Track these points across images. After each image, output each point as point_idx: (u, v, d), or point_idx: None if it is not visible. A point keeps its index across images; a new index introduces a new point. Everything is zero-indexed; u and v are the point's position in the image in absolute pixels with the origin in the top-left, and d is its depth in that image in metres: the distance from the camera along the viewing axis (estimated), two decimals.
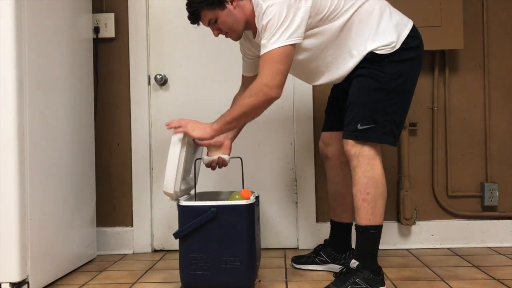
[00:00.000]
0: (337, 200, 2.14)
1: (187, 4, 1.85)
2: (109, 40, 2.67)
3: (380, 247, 1.86)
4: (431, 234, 2.59)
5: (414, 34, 1.86)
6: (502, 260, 2.32)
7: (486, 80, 2.61)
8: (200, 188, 2.12)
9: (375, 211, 1.79)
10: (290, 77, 1.96)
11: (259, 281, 2.03)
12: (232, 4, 1.83)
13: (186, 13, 1.87)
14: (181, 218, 1.86)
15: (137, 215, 2.66)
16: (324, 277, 2.06)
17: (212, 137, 1.90)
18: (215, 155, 2.05)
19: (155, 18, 2.69)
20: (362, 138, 1.80)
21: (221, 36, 1.94)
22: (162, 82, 2.66)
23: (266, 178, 2.64)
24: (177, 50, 2.68)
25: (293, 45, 1.76)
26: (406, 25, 1.86)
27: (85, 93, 2.43)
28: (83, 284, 2.07)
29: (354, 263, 1.80)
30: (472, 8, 2.59)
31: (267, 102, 1.79)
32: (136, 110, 2.66)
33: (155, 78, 2.65)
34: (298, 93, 2.58)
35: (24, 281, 1.85)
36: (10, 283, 1.80)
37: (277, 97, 1.79)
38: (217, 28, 1.88)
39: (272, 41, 1.73)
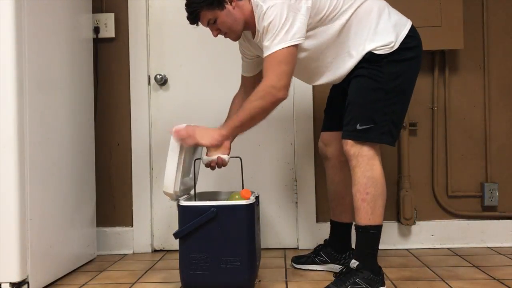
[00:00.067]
0: (336, 200, 2.14)
1: (186, 5, 1.85)
2: (109, 40, 2.67)
3: (380, 247, 1.86)
4: (431, 234, 2.59)
5: (413, 34, 1.86)
6: (502, 260, 2.32)
7: (486, 80, 2.61)
8: (200, 188, 2.12)
9: (374, 211, 1.80)
10: None
11: (259, 281, 2.03)
12: (231, 4, 1.83)
13: (186, 13, 1.87)
14: (181, 218, 1.86)
15: (137, 215, 2.66)
16: (324, 277, 2.06)
17: (221, 143, 1.88)
18: (215, 155, 2.04)
19: (155, 18, 2.69)
20: (361, 138, 1.80)
21: (221, 36, 1.94)
22: (162, 82, 2.66)
23: (266, 178, 2.64)
24: (177, 50, 2.68)
25: (296, 45, 1.76)
26: (404, 25, 1.86)
27: (85, 93, 2.43)
28: (83, 284, 2.08)
29: (354, 263, 1.80)
30: (472, 8, 2.59)
31: (275, 103, 1.79)
32: (136, 110, 2.66)
33: (155, 78, 2.65)
34: (298, 93, 2.58)
35: (24, 281, 1.85)
36: (10, 283, 1.80)
37: (284, 98, 1.79)
38: (216, 29, 1.88)
39: (275, 43, 1.73)
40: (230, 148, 2.08)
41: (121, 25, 2.68)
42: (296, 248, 2.62)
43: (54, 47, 2.11)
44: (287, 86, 1.78)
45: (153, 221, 2.68)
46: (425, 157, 2.62)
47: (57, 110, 2.13)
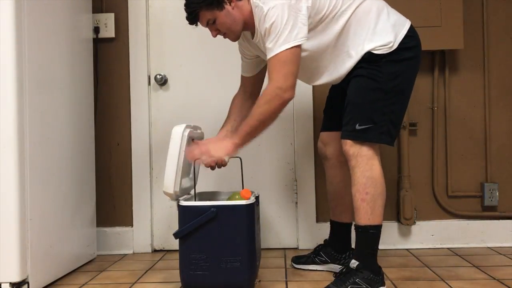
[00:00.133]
0: (336, 200, 2.14)
1: (185, 5, 1.85)
2: (109, 40, 2.67)
3: (380, 247, 1.86)
4: (431, 234, 2.59)
5: (412, 34, 1.86)
6: (502, 260, 2.32)
7: (486, 80, 2.61)
8: (200, 188, 2.12)
9: (374, 211, 1.80)
10: None
11: (259, 281, 2.03)
12: (230, 4, 1.83)
13: (185, 13, 1.87)
14: (181, 218, 1.85)
15: (137, 215, 2.66)
16: (324, 277, 2.06)
17: (235, 153, 1.87)
18: None
19: (155, 18, 2.69)
20: (360, 138, 1.80)
21: (221, 37, 1.93)
22: (162, 82, 2.66)
23: (266, 178, 2.64)
24: (177, 50, 2.68)
25: (300, 45, 1.75)
26: (403, 25, 1.86)
27: (85, 93, 2.43)
28: (83, 284, 2.08)
29: (354, 263, 1.80)
30: (472, 8, 2.59)
31: (283, 105, 1.79)
32: (136, 110, 2.66)
33: (155, 78, 2.65)
34: (298, 93, 2.52)
35: (24, 281, 1.85)
36: (10, 283, 1.80)
37: (291, 98, 1.79)
38: (216, 29, 1.88)
39: (279, 44, 1.73)
40: None
41: (121, 25, 2.68)
42: (296, 248, 2.62)
43: (54, 47, 2.11)
44: (293, 86, 1.78)
45: (153, 221, 2.68)
46: (425, 157, 2.62)
47: (57, 110, 2.13)
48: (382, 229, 1.85)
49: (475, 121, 2.62)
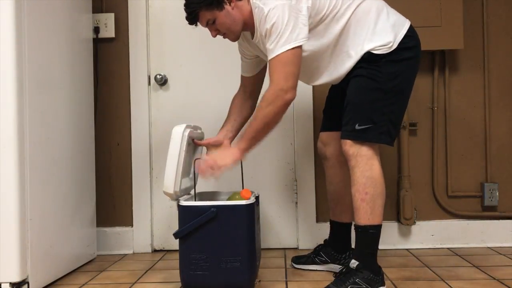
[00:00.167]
0: (336, 200, 2.14)
1: (185, 5, 1.85)
2: (109, 40, 2.67)
3: (380, 247, 1.86)
4: (431, 234, 2.59)
5: (411, 34, 1.86)
6: (502, 260, 2.32)
7: (486, 80, 2.61)
8: (200, 188, 2.12)
9: (374, 211, 1.80)
10: None
11: (259, 281, 2.03)
12: (230, 4, 1.82)
13: (185, 14, 1.87)
14: (181, 218, 1.86)
15: (137, 215, 2.66)
16: (324, 277, 2.06)
17: (243, 157, 1.87)
18: None
19: (155, 18, 2.69)
20: (360, 138, 1.80)
21: (221, 37, 1.93)
22: (162, 82, 2.66)
23: (266, 178, 2.64)
24: (177, 50, 2.68)
25: (301, 46, 1.75)
26: (403, 25, 1.86)
27: (85, 93, 2.43)
28: (83, 284, 2.08)
29: (354, 263, 1.80)
30: (472, 8, 2.59)
31: (285, 106, 1.79)
32: (136, 110, 2.66)
33: (155, 78, 2.66)
34: (298, 93, 2.53)
35: (24, 281, 1.85)
36: (10, 283, 1.80)
37: (293, 99, 1.79)
38: (215, 29, 1.87)
39: (280, 45, 1.73)
40: None
41: (121, 25, 2.68)
42: (296, 248, 2.62)
43: (54, 47, 2.11)
44: (294, 87, 1.79)
45: (153, 221, 2.68)
46: (425, 157, 2.62)
47: (57, 110, 2.13)
48: (382, 229, 1.85)
49: (475, 121, 2.62)
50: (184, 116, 2.61)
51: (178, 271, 1.89)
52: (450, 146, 2.61)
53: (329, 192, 2.17)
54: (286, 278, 2.10)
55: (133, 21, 2.67)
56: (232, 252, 1.82)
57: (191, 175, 2.12)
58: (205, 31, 1.92)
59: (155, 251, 2.67)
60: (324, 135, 2.14)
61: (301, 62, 1.78)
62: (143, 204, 2.66)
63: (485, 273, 2.09)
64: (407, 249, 2.56)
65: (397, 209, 2.61)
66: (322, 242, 2.26)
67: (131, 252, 2.65)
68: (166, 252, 2.64)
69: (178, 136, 1.92)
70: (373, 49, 1.81)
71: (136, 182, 2.66)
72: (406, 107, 1.91)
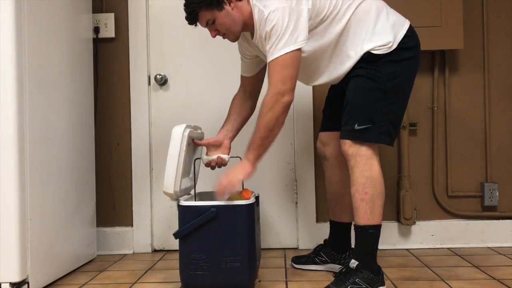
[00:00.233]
0: (335, 200, 2.14)
1: (185, 5, 1.85)
2: (109, 40, 2.67)
3: (380, 247, 1.86)
4: (431, 234, 2.59)
5: (411, 34, 1.86)
6: (502, 260, 2.32)
7: (486, 80, 2.61)
8: (200, 188, 2.12)
9: (373, 211, 1.80)
10: None
11: (259, 281, 2.03)
12: (230, 5, 1.82)
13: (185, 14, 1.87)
14: (181, 218, 1.86)
15: (137, 215, 2.66)
16: (324, 277, 2.06)
17: (255, 168, 1.85)
18: (214, 155, 2.05)
19: (155, 18, 2.69)
20: (359, 138, 1.80)
21: (221, 37, 1.93)
22: (162, 82, 2.66)
23: (266, 178, 2.64)
24: (177, 50, 2.68)
25: (299, 48, 1.76)
26: (403, 25, 1.86)
27: (85, 93, 2.43)
28: (83, 284, 2.08)
29: (353, 263, 1.80)
30: (472, 8, 2.59)
31: (285, 109, 1.79)
32: (136, 110, 2.66)
33: (155, 78, 2.66)
34: (298, 93, 2.53)
35: (24, 281, 1.85)
36: (10, 283, 1.80)
37: (291, 101, 1.80)
38: (215, 29, 1.87)
39: (279, 48, 1.73)
40: (230, 148, 2.09)
41: (121, 25, 2.68)
42: (296, 248, 2.62)
43: (54, 47, 2.11)
44: (292, 89, 1.79)
45: (153, 221, 2.68)
46: (425, 157, 2.62)
47: (57, 110, 2.13)
48: (382, 229, 1.85)
49: (475, 121, 2.62)
50: (184, 116, 2.61)
51: (178, 271, 1.89)
52: (450, 146, 2.61)
53: (329, 192, 2.17)
54: (286, 278, 2.10)
55: (133, 21, 2.67)
56: (232, 252, 1.82)
57: (191, 175, 2.12)
58: (205, 31, 1.92)
59: (155, 251, 2.68)
60: (323, 135, 2.14)
61: (299, 64, 1.78)
62: (143, 204, 2.66)
63: (485, 273, 2.09)
64: (407, 249, 2.56)
65: (397, 209, 2.61)
66: (322, 242, 2.26)
67: (131, 252, 2.65)
68: (166, 252, 2.64)
69: (178, 136, 1.92)
70: (372, 49, 1.81)
71: (136, 182, 2.66)
72: (405, 107, 1.91)
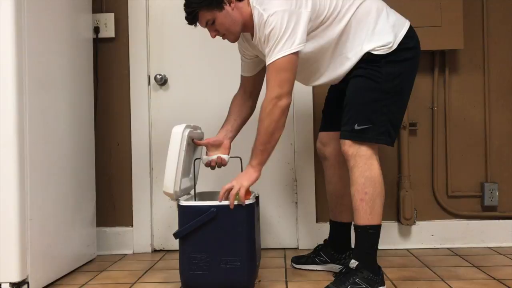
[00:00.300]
0: (335, 200, 2.14)
1: (184, 5, 1.85)
2: (109, 40, 2.67)
3: (380, 247, 1.86)
4: (431, 234, 2.59)
5: (411, 35, 1.87)
6: (502, 260, 2.32)
7: (486, 80, 2.61)
8: (200, 188, 2.13)
9: (373, 211, 1.80)
10: None
11: (259, 281, 2.03)
12: (230, 5, 1.82)
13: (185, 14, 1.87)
14: (181, 218, 1.86)
15: (137, 215, 2.66)
16: (324, 277, 2.06)
17: (259, 174, 1.85)
18: (214, 155, 2.05)
19: (155, 18, 2.69)
20: (359, 138, 1.80)
21: (221, 37, 1.94)
22: (162, 82, 2.66)
23: (266, 178, 2.63)
24: (177, 50, 2.68)
25: (297, 52, 1.76)
26: (403, 26, 1.86)
27: (85, 93, 2.43)
28: (83, 284, 2.08)
29: (353, 263, 1.80)
30: (472, 8, 2.59)
31: (284, 112, 1.79)
32: (136, 110, 2.66)
33: (155, 78, 2.66)
34: (298, 93, 2.57)
35: (24, 281, 1.85)
36: (10, 283, 1.80)
37: (289, 104, 1.80)
38: (215, 29, 1.87)
39: (276, 51, 1.74)
40: (230, 148, 2.09)
41: (121, 25, 2.68)
42: (296, 248, 2.62)
43: (54, 47, 2.11)
44: (289, 93, 1.79)
45: (153, 221, 2.68)
46: (425, 157, 2.62)
47: (57, 110, 2.13)
48: (382, 229, 1.85)
49: (475, 121, 2.62)
50: (184, 116, 2.61)
51: (178, 271, 1.89)
52: (450, 146, 2.61)
53: (329, 192, 2.17)
54: (286, 278, 2.10)
55: (133, 21, 2.67)
56: (232, 252, 1.82)
57: (191, 175, 2.12)
58: (205, 31, 1.92)
59: (155, 251, 2.68)
60: (323, 135, 2.14)
61: (296, 68, 1.79)
62: (143, 204, 2.66)
63: (485, 273, 2.09)
64: (407, 249, 2.56)
65: (397, 209, 2.61)
66: (322, 242, 2.26)
67: (131, 252, 2.65)
68: (166, 252, 2.64)
69: (178, 136, 1.92)
70: (373, 49, 1.81)
71: (136, 182, 2.66)
72: (405, 107, 1.91)
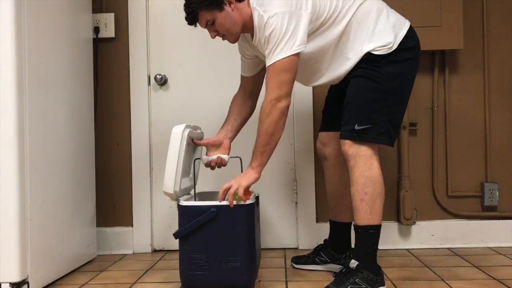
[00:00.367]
0: (335, 200, 2.14)
1: (185, 5, 1.85)
2: (109, 40, 2.67)
3: (380, 247, 1.86)
4: (431, 234, 2.59)
5: (411, 35, 1.87)
6: (502, 260, 2.32)
7: (486, 80, 2.61)
8: (200, 188, 2.12)
9: (373, 211, 1.80)
10: None
11: (259, 281, 2.03)
12: (230, 6, 1.82)
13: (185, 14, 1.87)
14: (181, 218, 1.86)
15: (137, 215, 2.66)
16: (324, 277, 2.06)
17: (259, 175, 1.85)
18: (214, 155, 2.05)
19: (155, 18, 2.69)
20: (359, 138, 1.80)
21: (221, 37, 1.94)
22: (162, 82, 2.66)
23: (266, 178, 2.63)
24: (177, 50, 2.68)
25: (297, 53, 1.76)
26: (403, 26, 1.86)
27: (85, 93, 2.43)
28: (83, 284, 2.08)
29: (353, 263, 1.80)
30: (472, 8, 2.59)
31: (283, 113, 1.80)
32: (136, 110, 2.66)
33: (155, 78, 2.66)
34: (298, 93, 2.57)
35: (24, 281, 1.85)
36: (10, 283, 1.80)
37: (288, 105, 1.81)
38: (215, 30, 1.87)
39: (276, 53, 1.74)
40: (229, 148, 2.09)
41: (121, 25, 2.68)
42: (296, 248, 2.62)
43: (54, 47, 2.11)
44: (288, 94, 1.80)
45: (153, 221, 2.68)
46: (425, 157, 2.62)
47: (57, 110, 2.13)
48: (382, 229, 1.85)
49: (475, 121, 2.62)
50: (184, 116, 2.61)
51: (178, 271, 1.89)
52: (450, 146, 2.61)
53: (329, 192, 2.17)
54: (286, 278, 2.10)
55: (133, 21, 2.67)
56: (232, 252, 1.82)
57: (191, 175, 2.12)
58: (205, 31, 1.92)
59: (155, 251, 2.68)
60: (323, 135, 2.14)
61: (296, 69, 1.79)
62: (143, 204, 2.66)
63: (485, 273, 2.09)
64: (407, 249, 2.56)
65: (397, 209, 2.61)
66: (322, 242, 2.26)
67: (131, 252, 2.65)
68: (166, 252, 2.64)
69: (178, 136, 1.92)
70: (373, 49, 1.81)
71: (136, 182, 2.66)
72: (405, 107, 1.92)
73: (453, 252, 2.48)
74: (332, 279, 1.88)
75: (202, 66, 2.67)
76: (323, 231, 2.48)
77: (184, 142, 1.93)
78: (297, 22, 1.73)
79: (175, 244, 2.36)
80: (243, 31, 1.90)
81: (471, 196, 2.61)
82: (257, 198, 2.00)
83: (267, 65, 1.78)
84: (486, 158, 2.61)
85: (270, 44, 1.75)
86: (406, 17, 1.92)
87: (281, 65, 1.74)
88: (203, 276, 1.83)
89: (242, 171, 2.02)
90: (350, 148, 1.81)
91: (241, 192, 1.81)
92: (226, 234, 1.82)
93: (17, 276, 1.81)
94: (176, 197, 1.92)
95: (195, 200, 2.01)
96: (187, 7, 1.85)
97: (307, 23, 1.76)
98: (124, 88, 2.68)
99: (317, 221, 2.61)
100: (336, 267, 2.10)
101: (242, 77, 2.14)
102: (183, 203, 1.87)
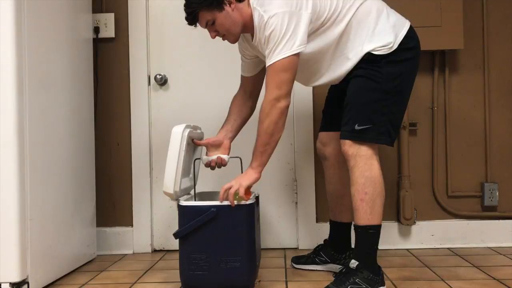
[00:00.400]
0: (335, 200, 2.14)
1: (185, 5, 1.85)
2: (109, 40, 2.67)
3: (380, 247, 1.86)
4: (431, 234, 2.59)
5: (411, 35, 1.87)
6: (502, 260, 2.32)
7: (486, 80, 2.61)
8: (200, 188, 2.13)
9: (373, 211, 1.80)
10: None
11: (259, 281, 2.03)
12: (230, 6, 1.82)
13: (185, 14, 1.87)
14: (181, 218, 1.86)
15: (137, 215, 2.66)
16: (324, 277, 2.06)
17: (259, 175, 1.85)
18: (214, 155, 2.05)
19: (155, 18, 2.69)
20: (359, 138, 1.80)
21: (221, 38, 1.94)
22: (162, 82, 2.66)
23: (266, 178, 2.63)
24: (177, 50, 2.68)
25: (297, 54, 1.76)
26: (403, 26, 1.86)
27: (85, 93, 2.43)
28: (83, 284, 2.08)
29: (353, 263, 1.80)
30: (472, 8, 2.59)
31: (282, 113, 1.80)
32: (136, 110, 2.66)
33: (155, 78, 2.66)
34: (298, 93, 2.57)
35: (24, 281, 1.85)
36: (10, 283, 1.80)
37: (288, 105, 1.81)
38: (215, 30, 1.87)
39: (276, 53, 1.74)
40: (229, 148, 2.09)
41: (121, 25, 2.68)
42: (296, 248, 2.62)
43: (54, 47, 2.11)
44: (287, 94, 1.80)
45: (153, 221, 2.68)
46: (425, 157, 2.62)
47: (57, 110, 2.13)
48: (382, 229, 1.85)
49: (475, 121, 2.62)
50: (184, 116, 2.61)
51: (178, 271, 1.89)
52: (450, 146, 2.61)
53: (329, 192, 2.17)
54: (286, 278, 2.10)
55: (133, 21, 2.67)
56: (232, 252, 1.82)
57: (191, 175, 2.12)
58: (205, 31, 1.92)
59: (155, 251, 2.68)
60: (323, 135, 2.14)
61: (296, 69, 1.79)
62: (143, 204, 2.66)
63: (485, 273, 2.09)
64: (407, 249, 2.56)
65: (397, 209, 2.61)
66: (322, 242, 2.26)
67: (131, 252, 2.65)
68: (166, 252, 2.64)
69: (178, 136, 1.92)
70: (373, 50, 1.81)
71: (136, 182, 2.66)
72: (405, 107, 1.92)
73: (453, 252, 2.48)
74: (332, 279, 1.88)
75: (202, 66, 2.67)
76: (323, 231, 2.48)
77: (184, 142, 1.93)
78: (297, 22, 1.73)
79: (175, 244, 2.36)
80: (243, 31, 1.90)
81: (471, 196, 2.61)
82: (257, 198, 2.00)
83: (267, 65, 1.78)
84: (486, 158, 2.61)
85: (270, 44, 1.75)
86: (406, 17, 1.92)
87: (281, 65, 1.75)
88: (203, 276, 1.83)
89: (242, 171, 2.02)
90: (350, 148, 1.81)
91: (242, 192, 1.81)
92: (226, 234, 1.82)
93: (17, 276, 1.81)
94: (176, 197, 1.92)
95: (195, 200, 2.01)
96: (187, 7, 1.84)
97: (307, 23, 1.76)
98: (124, 88, 2.68)
99: (317, 221, 2.61)
100: (336, 267, 2.10)
101: (242, 77, 2.14)
102: (183, 203, 1.87)
